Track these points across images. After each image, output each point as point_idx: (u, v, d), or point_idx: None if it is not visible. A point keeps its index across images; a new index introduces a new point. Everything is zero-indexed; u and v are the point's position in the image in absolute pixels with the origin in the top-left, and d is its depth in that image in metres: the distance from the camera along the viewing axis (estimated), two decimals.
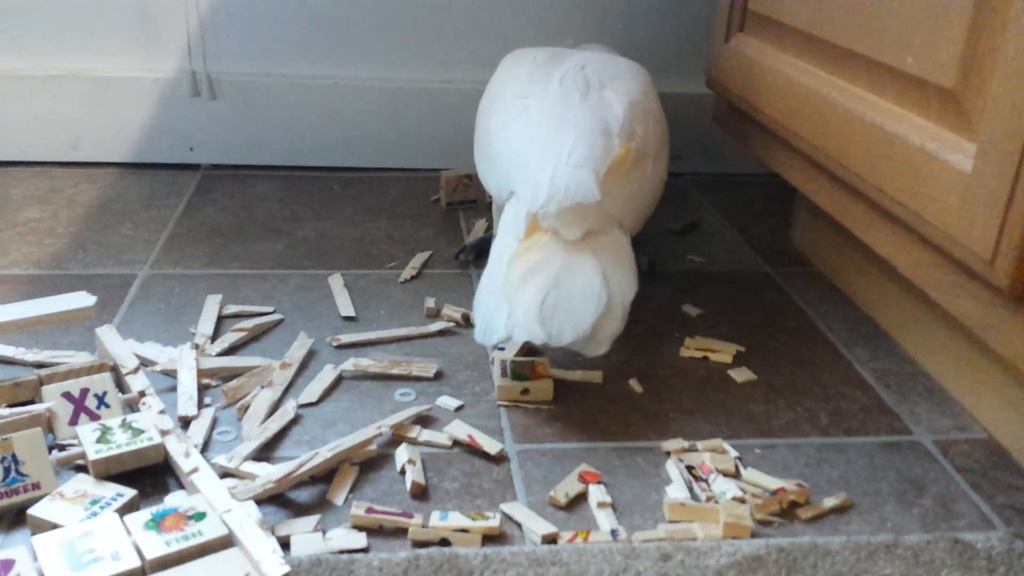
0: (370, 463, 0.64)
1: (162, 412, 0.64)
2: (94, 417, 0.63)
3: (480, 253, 0.99)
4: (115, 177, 1.17)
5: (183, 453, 0.59)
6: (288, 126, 1.21)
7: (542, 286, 0.65)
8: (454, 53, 1.22)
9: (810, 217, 1.02)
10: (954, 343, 0.76)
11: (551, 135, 0.72)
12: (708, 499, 0.61)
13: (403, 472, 0.63)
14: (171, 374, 0.71)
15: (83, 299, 0.69)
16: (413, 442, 0.66)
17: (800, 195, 1.04)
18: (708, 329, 0.85)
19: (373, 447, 0.64)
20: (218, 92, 1.18)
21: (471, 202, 1.14)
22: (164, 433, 0.61)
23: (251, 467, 0.60)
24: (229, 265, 0.93)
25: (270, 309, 0.84)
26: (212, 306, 0.83)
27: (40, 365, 0.72)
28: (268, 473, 0.58)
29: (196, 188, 1.14)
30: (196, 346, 0.75)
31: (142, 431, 0.60)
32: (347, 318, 0.84)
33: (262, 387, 0.71)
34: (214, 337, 0.78)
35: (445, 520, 0.57)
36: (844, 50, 0.71)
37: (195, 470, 0.58)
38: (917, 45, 0.63)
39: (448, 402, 0.71)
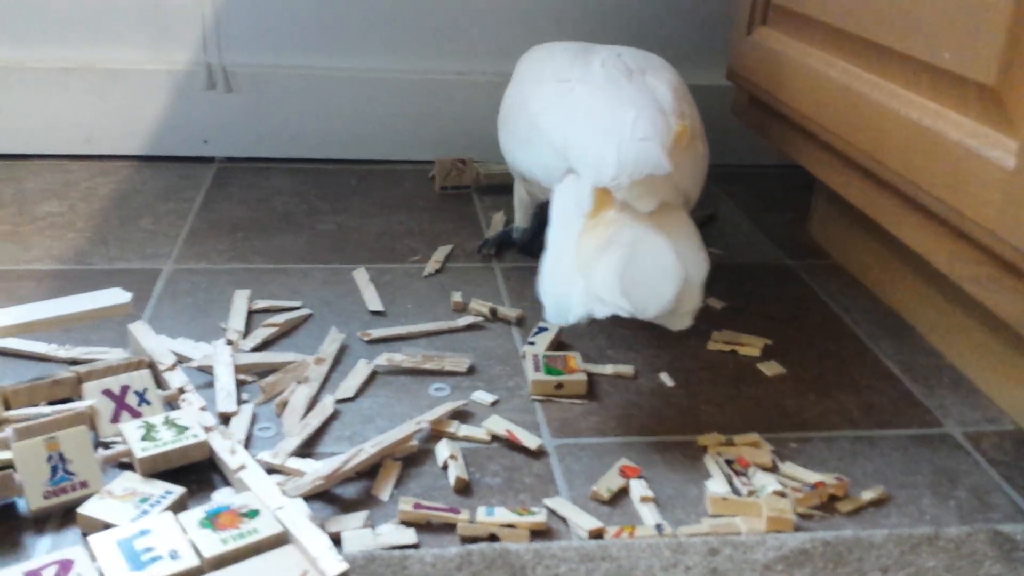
0: (411, 458, 0.64)
1: (203, 409, 0.64)
2: (135, 414, 0.63)
3: (501, 247, 0.99)
4: (130, 170, 1.16)
5: (228, 450, 0.59)
6: (302, 118, 1.21)
7: (618, 260, 0.64)
8: (469, 45, 1.21)
9: (828, 209, 1.02)
10: (980, 335, 0.77)
11: (610, 111, 0.72)
12: (749, 493, 0.62)
13: (445, 467, 0.63)
14: (206, 370, 0.71)
15: (119, 295, 0.69)
16: (452, 437, 0.66)
17: (818, 187, 1.05)
18: (733, 322, 0.86)
19: (414, 442, 0.64)
20: (233, 84, 1.17)
21: (464, 187, 1.15)
22: (207, 430, 0.61)
23: (296, 463, 0.61)
24: (252, 259, 0.93)
25: (298, 304, 0.84)
26: (241, 301, 0.83)
27: (74, 362, 0.72)
28: (316, 469, 0.59)
29: (212, 181, 1.14)
30: (229, 342, 0.75)
31: (186, 428, 0.61)
32: (375, 312, 0.84)
33: (298, 383, 0.71)
34: (245, 332, 0.78)
35: (492, 515, 0.58)
36: (876, 45, 0.72)
37: (242, 467, 0.58)
38: (954, 41, 0.63)
39: (483, 397, 0.72)
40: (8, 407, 0.63)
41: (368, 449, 0.61)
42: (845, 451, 0.68)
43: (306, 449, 0.64)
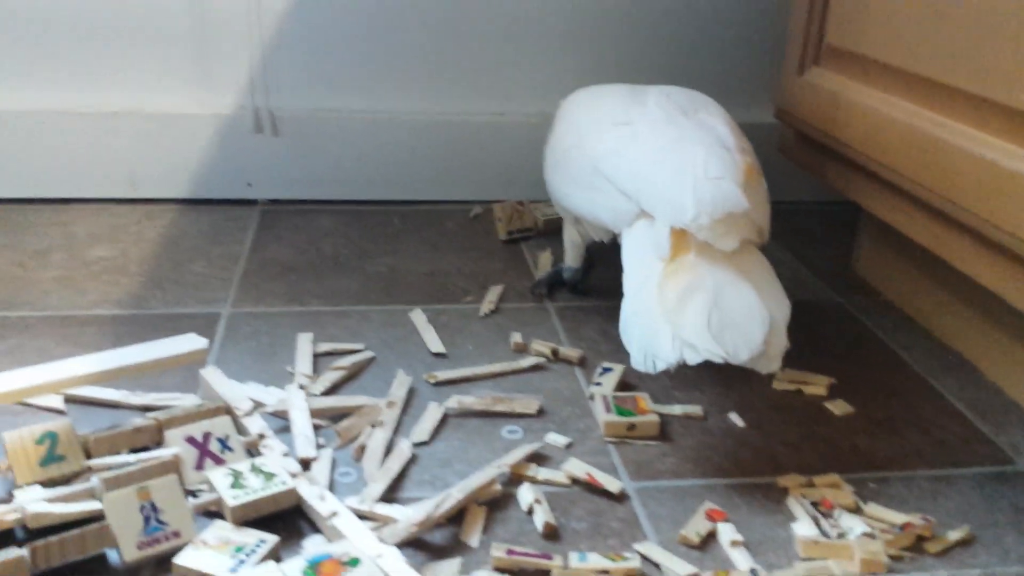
0: (495, 503, 0.64)
1: (286, 455, 0.64)
2: (218, 461, 0.63)
3: (552, 286, 0.99)
4: (175, 213, 1.17)
5: (318, 496, 0.59)
6: (344, 160, 1.21)
7: (704, 306, 0.64)
8: (507, 86, 1.23)
9: (875, 245, 1.03)
10: None
11: (678, 152, 0.73)
12: (838, 536, 0.61)
13: (530, 512, 0.63)
14: (280, 415, 0.71)
15: (195, 342, 0.70)
16: (532, 480, 0.66)
17: (862, 223, 1.06)
18: (792, 361, 0.85)
19: (498, 487, 0.64)
20: (278, 128, 1.18)
21: (527, 231, 1.14)
22: (293, 476, 0.61)
23: (383, 509, 0.60)
24: (309, 302, 0.93)
25: (361, 346, 0.84)
26: (306, 344, 0.83)
27: (146, 408, 0.72)
28: (408, 515, 0.58)
29: (259, 224, 1.15)
30: (301, 386, 0.75)
31: (273, 475, 0.60)
32: (437, 354, 0.84)
33: (372, 427, 0.71)
34: (312, 376, 0.78)
35: (584, 561, 0.57)
36: (943, 86, 0.72)
37: (334, 514, 0.57)
38: None
39: (556, 439, 0.71)
40: (89, 456, 0.63)
41: (455, 494, 0.61)
42: (924, 490, 0.68)
43: (389, 494, 0.64)
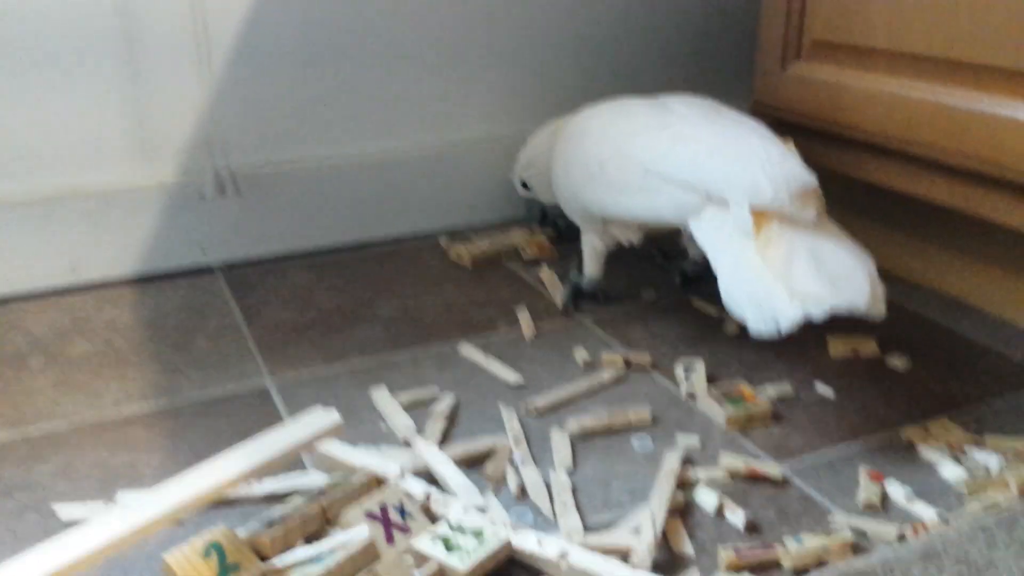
0: (678, 511, 0.64)
1: (465, 508, 0.61)
2: (405, 531, 0.59)
3: (576, 298, 1.00)
4: (134, 293, 1.07)
5: (536, 542, 0.57)
6: (302, 211, 1.16)
7: (809, 265, 0.69)
8: (457, 114, 1.22)
9: (833, 210, 1.11)
10: None
11: (734, 142, 0.79)
12: (985, 469, 0.67)
13: (719, 514, 0.64)
14: (420, 472, 0.68)
15: (329, 416, 0.65)
16: (695, 483, 0.67)
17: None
18: (819, 327, 0.90)
19: (680, 495, 0.65)
20: (235, 187, 1.11)
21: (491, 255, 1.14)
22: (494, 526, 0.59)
23: (595, 539, 0.59)
24: (348, 358, 0.89)
25: (436, 390, 0.81)
26: (387, 399, 0.79)
27: (271, 497, 0.66)
28: (634, 541, 0.58)
29: (233, 290, 1.07)
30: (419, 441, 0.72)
31: (481, 530, 0.58)
32: (517, 386, 0.83)
33: (512, 465, 0.69)
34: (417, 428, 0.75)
35: (802, 544, 0.59)
36: (975, 65, 0.79)
37: (565, 554, 0.56)
38: None
39: (689, 440, 0.73)
40: (263, 557, 0.57)
41: (658, 511, 0.61)
42: (1009, 414, 0.76)
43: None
